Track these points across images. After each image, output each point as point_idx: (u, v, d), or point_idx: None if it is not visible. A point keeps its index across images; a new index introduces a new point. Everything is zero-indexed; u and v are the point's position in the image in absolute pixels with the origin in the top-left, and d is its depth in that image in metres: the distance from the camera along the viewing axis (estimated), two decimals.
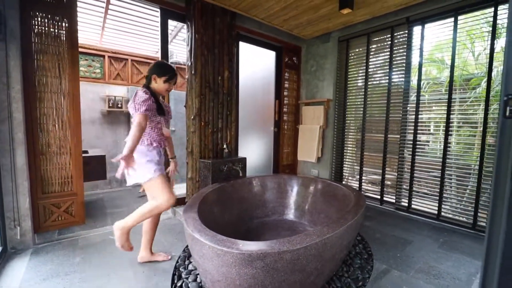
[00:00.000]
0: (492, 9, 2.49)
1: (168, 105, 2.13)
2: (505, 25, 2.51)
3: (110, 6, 3.31)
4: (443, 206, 2.85)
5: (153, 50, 4.56)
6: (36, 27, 2.18)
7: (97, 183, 4.13)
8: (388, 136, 3.28)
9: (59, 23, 2.28)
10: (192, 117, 2.83)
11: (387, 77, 3.24)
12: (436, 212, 2.87)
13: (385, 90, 3.28)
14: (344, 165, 3.83)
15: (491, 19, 2.51)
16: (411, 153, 3.07)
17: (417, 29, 3.00)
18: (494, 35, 2.49)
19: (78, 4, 2.87)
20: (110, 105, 4.16)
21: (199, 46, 2.78)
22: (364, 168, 3.59)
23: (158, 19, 2.80)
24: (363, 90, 3.50)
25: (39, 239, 2.31)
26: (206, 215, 1.90)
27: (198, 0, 2.75)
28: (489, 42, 2.58)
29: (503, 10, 2.46)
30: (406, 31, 3.05)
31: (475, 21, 2.71)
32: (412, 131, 3.04)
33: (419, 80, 2.99)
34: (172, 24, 3.81)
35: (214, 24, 2.90)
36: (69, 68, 2.33)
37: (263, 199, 2.78)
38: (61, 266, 1.91)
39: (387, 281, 1.77)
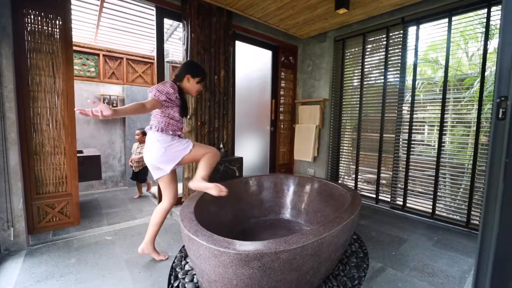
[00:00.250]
0: (486, 10, 2.52)
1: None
2: (498, 26, 2.54)
3: (105, 4, 3.27)
4: (437, 204, 2.89)
5: (148, 48, 4.53)
6: (29, 25, 2.14)
7: (92, 183, 4.10)
8: (384, 135, 3.30)
9: (53, 21, 2.24)
10: (188, 117, 2.81)
11: (383, 77, 3.26)
12: (430, 210, 2.91)
13: (380, 89, 3.31)
14: (340, 164, 3.86)
15: (485, 20, 2.54)
16: (406, 152, 3.10)
17: (412, 29, 3.03)
18: (487, 35, 2.53)
19: (72, 2, 2.84)
20: (105, 104, 4.11)
21: (195, 45, 2.77)
22: (359, 167, 3.61)
23: (154, 18, 2.78)
24: (359, 89, 3.52)
25: (33, 240, 2.28)
26: (202, 215, 1.90)
27: None
28: (482, 42, 2.61)
29: (496, 11, 2.49)
30: (401, 31, 3.08)
31: (469, 22, 2.74)
32: (407, 131, 3.07)
33: (414, 79, 3.02)
34: (168, 22, 3.79)
35: (210, 23, 2.89)
36: (63, 66, 2.30)
37: (259, 198, 2.78)
38: (56, 267, 1.89)
39: (382, 279, 1.79)
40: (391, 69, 3.21)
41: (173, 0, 2.76)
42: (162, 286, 1.69)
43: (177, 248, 2.19)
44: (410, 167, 3.08)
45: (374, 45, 3.37)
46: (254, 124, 3.95)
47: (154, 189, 3.87)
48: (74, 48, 3.95)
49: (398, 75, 3.13)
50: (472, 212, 2.65)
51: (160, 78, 2.79)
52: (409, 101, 3.06)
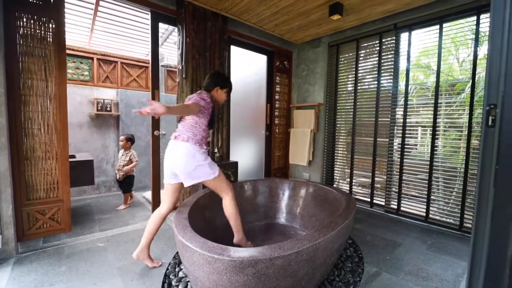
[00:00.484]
0: (475, 17, 2.58)
1: None
2: (487, 33, 2.60)
3: (100, 8, 3.26)
4: (430, 208, 2.92)
5: (143, 52, 4.51)
6: (22, 28, 2.12)
7: (85, 188, 4.03)
8: (377, 139, 3.34)
9: (46, 25, 2.22)
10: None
11: (376, 82, 3.31)
12: (424, 214, 2.93)
13: (374, 94, 3.35)
14: (335, 168, 3.87)
15: (474, 26, 2.60)
16: (399, 156, 3.13)
17: (404, 36, 3.08)
18: (477, 42, 2.58)
19: (66, 5, 2.82)
20: (99, 108, 4.08)
21: (190, 50, 2.77)
22: (354, 171, 3.63)
23: (149, 22, 2.78)
24: (353, 94, 3.56)
25: (23, 248, 2.23)
26: (197, 220, 1.88)
27: (189, 3, 2.75)
28: (472, 49, 2.67)
29: (485, 18, 2.56)
30: (394, 37, 3.13)
31: (459, 29, 2.80)
32: (401, 135, 3.11)
33: (407, 84, 3.07)
34: (163, 27, 3.79)
35: (205, 28, 2.90)
36: (56, 70, 2.27)
37: (254, 203, 2.77)
38: (46, 275, 1.84)
39: (377, 284, 1.79)
40: (384, 74, 3.25)
41: (168, 5, 2.76)
42: None
43: (171, 254, 2.16)
44: (404, 170, 3.10)
45: (368, 50, 3.42)
46: (249, 129, 3.95)
47: (148, 194, 3.82)
48: (68, 51, 3.93)
49: (391, 80, 3.18)
50: (465, 216, 2.67)
51: (155, 82, 2.78)
52: (402, 106, 3.10)
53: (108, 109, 4.15)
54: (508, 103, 0.62)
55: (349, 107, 3.64)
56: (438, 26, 2.81)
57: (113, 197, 4.03)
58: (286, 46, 4.03)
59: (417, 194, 3.09)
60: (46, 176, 2.30)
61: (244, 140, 3.81)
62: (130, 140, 3.45)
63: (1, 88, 1.98)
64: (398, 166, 3.14)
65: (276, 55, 3.95)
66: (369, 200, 3.45)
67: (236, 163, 3.04)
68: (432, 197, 2.93)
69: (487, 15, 2.54)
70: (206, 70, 2.93)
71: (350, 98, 3.62)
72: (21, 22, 2.11)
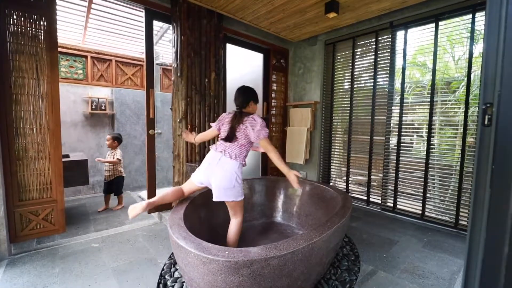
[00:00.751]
0: (470, 15, 2.58)
1: None
2: (482, 31, 2.61)
3: (93, 5, 3.21)
4: (426, 206, 2.93)
5: (138, 50, 4.46)
6: (12, 26, 2.07)
7: (80, 188, 3.99)
8: (374, 137, 3.34)
9: (37, 22, 2.18)
10: (179, 120, 2.78)
11: (372, 80, 3.30)
12: (420, 212, 2.95)
13: (370, 92, 3.34)
14: (332, 166, 3.87)
15: (470, 25, 2.61)
16: (395, 154, 3.13)
17: (400, 34, 3.08)
18: (472, 40, 2.59)
19: (59, 2, 2.77)
20: (93, 107, 4.03)
21: (185, 48, 2.74)
22: (350, 169, 3.64)
23: (143, 20, 2.74)
24: (349, 92, 3.56)
25: (16, 249, 2.20)
26: (192, 220, 1.86)
27: (184, 1, 2.71)
28: (468, 47, 2.68)
29: (480, 16, 2.56)
30: (390, 35, 3.13)
31: (455, 27, 2.81)
32: (397, 133, 3.11)
33: (403, 82, 3.07)
34: (158, 24, 3.75)
35: (200, 25, 2.87)
36: (48, 69, 2.23)
37: (251, 202, 2.76)
38: (39, 277, 1.82)
39: (373, 282, 1.79)
40: (381, 72, 3.25)
41: (163, 2, 2.72)
42: None
43: (167, 254, 2.14)
44: (400, 168, 3.11)
45: (364, 48, 3.42)
46: None
47: (144, 194, 3.79)
48: (61, 49, 3.88)
49: (387, 78, 3.18)
50: (461, 213, 2.69)
51: (150, 80, 2.74)
52: (398, 104, 3.10)
53: (103, 108, 4.10)
54: (504, 101, 0.61)
55: (345, 105, 3.64)
56: (434, 24, 2.80)
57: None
58: (282, 44, 4.01)
59: (413, 192, 3.10)
60: (39, 177, 2.26)
61: None
62: (117, 139, 3.34)
63: None
64: (394, 164, 3.14)
65: (273, 53, 3.93)
66: (365, 198, 3.46)
67: None
68: (428, 195, 2.94)
69: (482, 13, 2.54)
70: (202, 68, 2.90)
71: (347, 96, 3.61)
72: (11, 20, 2.07)
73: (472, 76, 2.62)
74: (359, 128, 3.52)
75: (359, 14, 3.01)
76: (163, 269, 1.91)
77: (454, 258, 2.12)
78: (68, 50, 3.92)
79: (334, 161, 3.85)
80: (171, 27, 2.82)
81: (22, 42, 2.12)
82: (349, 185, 3.66)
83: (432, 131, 2.87)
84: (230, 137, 1.82)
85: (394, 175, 3.15)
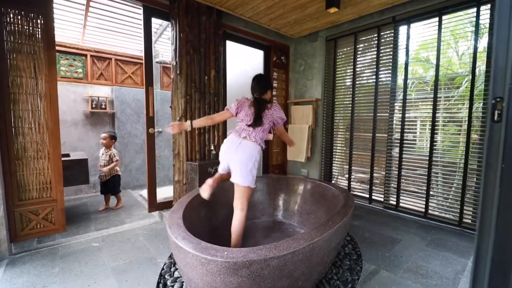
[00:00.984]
0: (475, 9, 2.52)
1: None
2: (487, 25, 2.55)
3: (91, 3, 3.18)
4: (430, 203, 2.89)
5: (138, 49, 4.43)
6: (9, 24, 2.05)
7: (81, 187, 3.99)
8: (376, 134, 3.30)
9: (34, 21, 2.16)
10: (178, 118, 2.75)
11: (375, 76, 3.25)
12: (423, 210, 2.91)
13: (372, 89, 3.30)
14: (333, 164, 3.84)
15: (474, 19, 2.55)
16: (398, 151, 3.09)
17: (403, 29, 3.02)
18: (477, 34, 2.53)
19: (56, 0, 2.75)
20: (93, 106, 4.01)
21: (184, 45, 2.71)
22: (353, 167, 3.60)
23: (141, 17, 2.71)
24: (351, 89, 3.51)
25: (17, 249, 2.19)
26: (192, 219, 1.84)
27: None
28: (472, 41, 2.62)
29: (485, 10, 2.50)
30: (392, 31, 3.07)
31: (459, 21, 2.75)
32: (399, 130, 3.07)
33: (406, 79, 3.02)
34: (157, 22, 3.72)
35: (199, 22, 2.83)
36: (46, 68, 2.21)
37: (252, 200, 2.73)
38: (39, 277, 1.81)
39: (376, 282, 1.76)
40: (383, 68, 3.20)
41: None
42: None
43: (167, 253, 2.13)
44: (403, 166, 3.07)
45: (366, 44, 3.36)
46: None
47: (145, 193, 3.78)
48: (61, 48, 3.86)
49: (390, 74, 3.13)
50: (465, 211, 2.65)
51: (149, 79, 2.72)
52: (401, 100, 3.05)
53: (103, 106, 4.09)
54: None
55: (347, 102, 3.59)
56: (437, 19, 2.75)
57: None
58: (283, 41, 3.96)
59: (416, 190, 3.06)
60: (38, 176, 2.25)
61: None
62: (114, 137, 3.31)
63: None
64: (397, 162, 3.10)
65: (273, 50, 3.89)
66: (367, 196, 3.42)
67: None
68: (431, 192, 2.90)
69: (488, 6, 2.48)
70: (201, 66, 2.87)
71: (348, 93, 3.57)
72: (8, 18, 2.05)
73: (476, 71, 2.56)
74: (361, 125, 3.48)
75: (360, 9, 2.96)
76: (163, 269, 1.90)
77: (458, 257, 2.09)
78: (68, 49, 3.91)
79: (336, 159, 3.82)
80: (170, 25, 2.78)
81: (19, 41, 2.10)
82: (351, 183, 3.63)
83: (436, 127, 2.82)
84: (258, 122, 1.85)
85: (396, 172, 3.11)
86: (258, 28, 3.53)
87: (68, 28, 3.66)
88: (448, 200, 2.91)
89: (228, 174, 1.95)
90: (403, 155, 3.06)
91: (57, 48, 3.80)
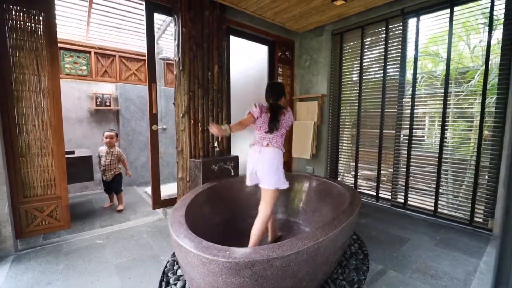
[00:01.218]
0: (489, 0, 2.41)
1: None
2: (501, 16, 2.44)
3: (94, 0, 3.16)
4: (439, 202, 2.81)
5: (142, 46, 4.41)
6: (11, 21, 2.04)
7: (87, 184, 4.02)
8: (384, 131, 3.21)
9: (36, 17, 2.14)
10: (181, 115, 2.72)
11: (382, 71, 3.16)
12: (432, 208, 2.83)
13: (380, 84, 3.21)
14: (339, 161, 3.77)
15: (488, 10, 2.44)
16: (406, 148, 3.01)
17: (412, 21, 2.92)
18: (491, 26, 2.42)
19: None
20: (98, 103, 4.02)
21: (187, 41, 2.66)
22: (359, 164, 3.53)
23: (144, 13, 2.67)
24: (358, 84, 3.43)
25: (23, 245, 2.21)
26: (194, 217, 1.82)
27: None
28: (485, 34, 2.51)
29: (499, 0, 2.39)
30: (401, 23, 2.97)
31: (471, 13, 2.63)
32: (408, 126, 2.98)
33: (415, 73, 2.92)
34: (161, 18, 3.68)
35: (202, 17, 2.78)
36: (48, 64, 2.20)
37: (256, 198, 2.69)
38: (44, 274, 1.81)
39: (383, 282, 1.71)
40: (391, 63, 3.10)
41: None
42: None
43: (171, 251, 2.11)
44: (411, 163, 2.99)
45: (373, 38, 3.27)
46: None
47: (149, 190, 3.78)
48: (65, 45, 3.87)
49: (398, 69, 3.03)
50: (476, 210, 2.56)
51: (151, 75, 2.69)
52: (410, 96, 2.96)
53: (108, 104, 4.09)
54: None
55: (354, 98, 3.51)
56: (448, 10, 2.64)
57: None
58: (287, 36, 3.89)
59: (425, 187, 2.98)
60: (42, 173, 2.26)
61: (245, 134, 3.71)
62: (118, 135, 3.26)
63: None
64: (405, 159, 3.02)
65: (278, 45, 3.82)
66: (374, 193, 3.35)
67: (236, 158, 2.96)
68: (440, 190, 2.82)
69: None
70: (204, 61, 2.83)
71: (355, 88, 3.48)
72: (10, 15, 2.04)
73: (490, 64, 2.46)
74: (368, 121, 3.39)
75: (367, 1, 2.86)
76: (166, 267, 1.88)
77: (469, 258, 2.01)
78: (72, 46, 3.91)
79: (342, 156, 3.75)
80: (172, 20, 2.74)
81: (21, 38, 2.09)
82: (358, 180, 3.56)
83: (446, 123, 2.73)
84: (275, 127, 1.90)
85: (405, 169, 3.03)
86: (262, 22, 3.46)
87: (72, 25, 3.65)
88: (458, 198, 2.82)
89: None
90: (412, 152, 2.98)
91: (61, 45, 3.84)
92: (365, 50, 3.34)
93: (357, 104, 3.45)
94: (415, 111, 2.95)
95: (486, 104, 2.50)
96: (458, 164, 2.82)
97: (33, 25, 2.13)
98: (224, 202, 2.45)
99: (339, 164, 3.78)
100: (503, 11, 2.38)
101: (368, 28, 3.28)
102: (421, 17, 2.84)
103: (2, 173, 2.00)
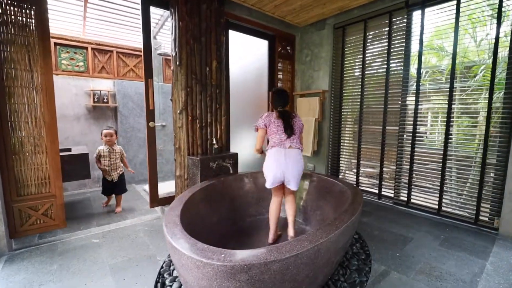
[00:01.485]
0: None
1: None
2: (510, 7, 2.34)
3: None
4: (443, 200, 2.74)
5: (139, 41, 4.32)
6: (1, 15, 1.98)
7: (85, 182, 3.97)
8: (387, 127, 3.13)
9: (27, 11, 2.07)
10: (179, 111, 2.66)
11: (385, 66, 3.07)
12: (436, 206, 2.76)
13: (383, 79, 3.12)
14: (341, 158, 3.70)
15: (497, 1, 2.34)
16: (410, 144, 2.93)
17: (416, 14, 2.83)
18: (499, 19, 2.33)
19: None
20: (95, 100, 3.96)
21: (184, 35, 2.59)
22: (361, 161, 3.45)
23: (139, 7, 2.59)
24: (360, 80, 3.34)
25: (17, 244, 2.17)
26: (191, 217, 1.76)
27: None
28: (492, 26, 2.42)
29: None
30: (405, 16, 2.87)
31: (478, 4, 2.53)
32: (412, 122, 2.90)
33: (419, 68, 2.83)
34: (158, 13, 3.60)
35: (200, 10, 2.70)
36: (41, 60, 2.14)
37: (256, 196, 2.65)
38: (36, 275, 1.77)
39: (386, 284, 1.65)
40: (394, 57, 3.01)
41: None
42: None
43: (167, 251, 2.06)
44: (415, 160, 2.91)
45: (376, 31, 3.17)
46: (250, 118, 3.77)
47: (147, 187, 3.73)
48: (61, 41, 3.80)
49: (402, 64, 2.95)
50: (481, 208, 2.49)
51: (148, 70, 2.62)
52: (414, 91, 2.88)
53: (105, 100, 4.03)
54: None
55: (356, 93, 3.43)
56: (455, 2, 2.54)
57: None
58: (288, 30, 3.79)
59: (428, 185, 2.91)
60: (36, 171, 2.21)
61: (244, 130, 3.65)
62: (117, 133, 3.16)
63: None
64: (409, 156, 2.94)
65: (278, 40, 3.73)
66: (377, 191, 3.29)
67: (236, 155, 2.90)
68: (444, 188, 2.75)
69: None
70: (202, 56, 2.75)
71: (357, 84, 3.40)
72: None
73: (499, 56, 2.37)
74: (371, 117, 3.31)
75: None
76: (162, 267, 1.83)
77: (475, 258, 1.95)
78: (68, 42, 3.84)
79: (344, 153, 3.68)
80: (169, 13, 2.66)
81: (12, 32, 2.03)
82: (360, 177, 3.49)
83: (451, 119, 2.65)
84: (293, 133, 2.04)
85: (408, 167, 2.95)
86: (262, 16, 3.37)
87: (68, 20, 3.57)
88: (463, 196, 2.75)
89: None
90: (415, 149, 2.90)
91: (58, 41, 3.77)
92: (367, 44, 3.25)
93: (359, 100, 3.36)
94: (419, 106, 2.87)
95: (494, 99, 2.41)
96: (462, 161, 2.74)
97: (24, 19, 2.07)
98: (222, 200, 2.39)
99: (340, 161, 3.71)
100: (511, 2, 2.28)
101: (371, 22, 3.19)
102: (426, 10, 2.75)
103: None
